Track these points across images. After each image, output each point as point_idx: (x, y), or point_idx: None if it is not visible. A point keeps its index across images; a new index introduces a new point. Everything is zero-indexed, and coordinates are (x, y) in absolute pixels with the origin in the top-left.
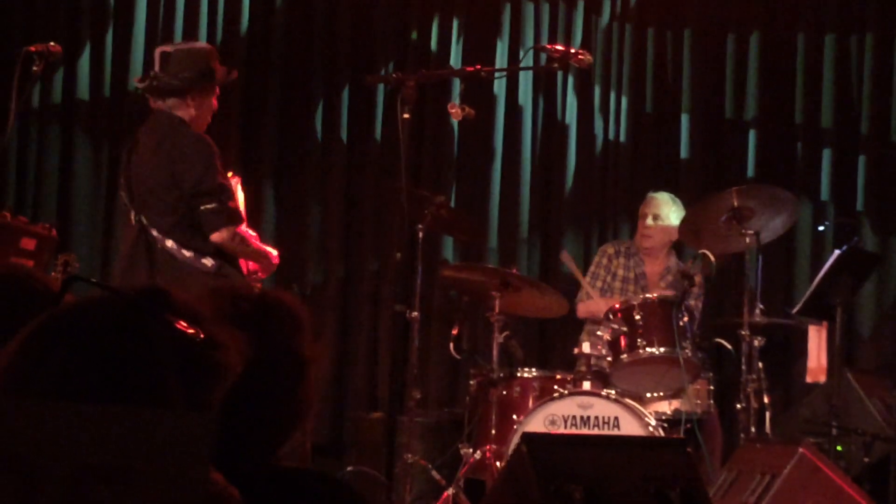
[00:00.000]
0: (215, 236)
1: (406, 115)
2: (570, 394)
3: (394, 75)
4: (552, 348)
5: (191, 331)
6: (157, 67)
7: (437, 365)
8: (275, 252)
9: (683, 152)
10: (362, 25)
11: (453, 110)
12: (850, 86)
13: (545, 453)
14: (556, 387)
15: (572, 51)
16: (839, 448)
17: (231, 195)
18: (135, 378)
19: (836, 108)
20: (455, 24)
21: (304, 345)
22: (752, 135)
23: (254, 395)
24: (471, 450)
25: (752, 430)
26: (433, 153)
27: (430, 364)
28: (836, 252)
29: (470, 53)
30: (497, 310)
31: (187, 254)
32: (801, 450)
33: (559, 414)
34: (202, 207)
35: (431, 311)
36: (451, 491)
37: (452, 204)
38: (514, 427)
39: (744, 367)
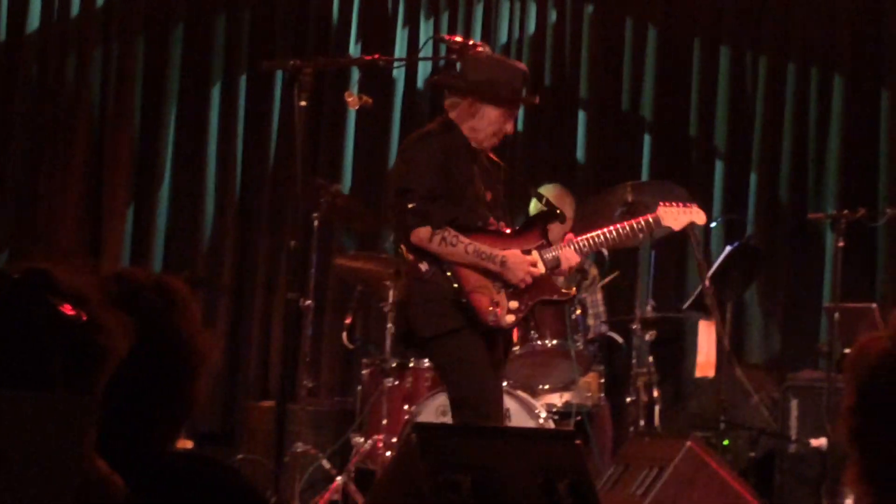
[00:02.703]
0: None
1: (303, 103)
2: None
3: (291, 62)
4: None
5: (73, 313)
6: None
7: (330, 354)
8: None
9: (580, 152)
10: (262, 11)
11: (350, 98)
12: (745, 102)
13: (435, 443)
14: None
15: (471, 42)
16: (726, 442)
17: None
18: (13, 359)
19: (729, 121)
20: (355, 10)
21: (196, 332)
22: (646, 138)
23: (142, 381)
24: (362, 439)
25: (642, 423)
26: (330, 141)
27: (323, 353)
28: (727, 248)
29: (369, 41)
30: (390, 299)
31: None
32: (688, 443)
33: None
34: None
35: (325, 300)
36: (341, 480)
37: (348, 192)
38: (406, 417)
39: (634, 361)
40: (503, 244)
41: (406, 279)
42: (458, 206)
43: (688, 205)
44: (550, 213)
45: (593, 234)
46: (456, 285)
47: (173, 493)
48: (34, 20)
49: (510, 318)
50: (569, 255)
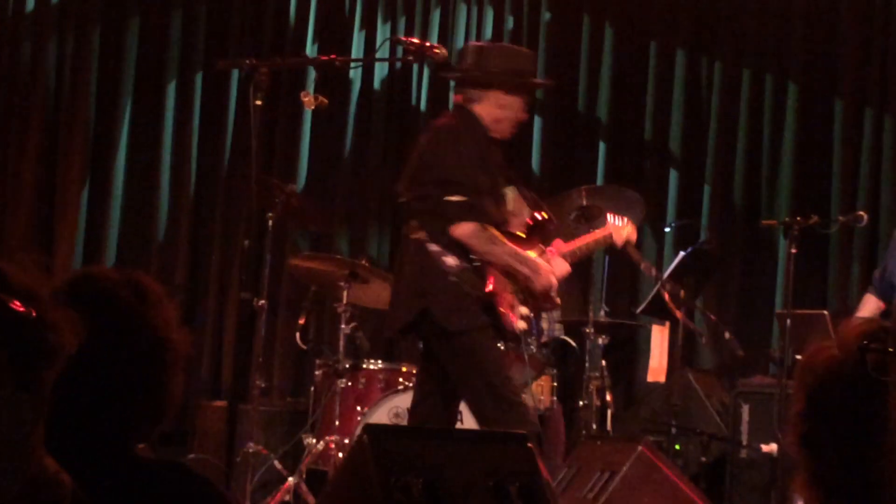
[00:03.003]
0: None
1: (258, 102)
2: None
3: (247, 61)
4: (399, 340)
5: (23, 309)
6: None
7: (283, 355)
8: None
9: (535, 157)
10: (219, 8)
11: (306, 98)
12: (700, 108)
13: (387, 445)
14: (401, 379)
15: (428, 44)
16: (677, 447)
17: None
18: None
19: (684, 127)
20: (312, 11)
21: (171, 330)
22: (601, 144)
23: (117, 379)
24: (314, 440)
25: (594, 426)
26: (285, 141)
27: (276, 353)
28: (681, 253)
29: (326, 42)
30: (345, 301)
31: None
32: (640, 447)
33: (403, 406)
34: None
35: (279, 301)
36: (292, 480)
37: (303, 192)
38: (358, 418)
39: (587, 365)
40: (520, 248)
41: (420, 270)
42: (496, 204)
43: (623, 219)
44: (548, 221)
45: (575, 245)
46: (485, 285)
47: (130, 495)
48: None
49: (522, 325)
50: (562, 265)
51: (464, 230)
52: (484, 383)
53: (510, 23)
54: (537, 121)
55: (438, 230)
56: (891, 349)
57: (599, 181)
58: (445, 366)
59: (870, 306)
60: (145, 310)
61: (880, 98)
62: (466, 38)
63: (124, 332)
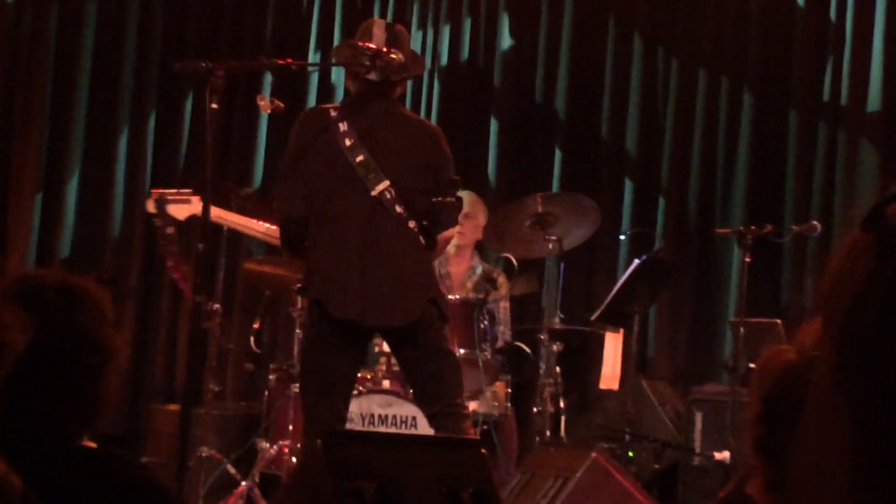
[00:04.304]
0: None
1: (214, 105)
2: (370, 392)
3: (203, 64)
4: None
5: None
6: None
7: (237, 358)
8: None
9: (491, 163)
10: (175, 9)
11: (262, 102)
12: (656, 115)
13: (340, 450)
14: (355, 384)
15: (384, 50)
16: (631, 454)
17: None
18: None
19: (639, 136)
20: (270, 12)
21: (105, 333)
22: (557, 151)
23: (45, 378)
24: (267, 445)
25: (548, 433)
26: (241, 144)
27: (230, 358)
28: (636, 261)
29: (282, 44)
30: (299, 305)
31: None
32: (593, 454)
33: (357, 412)
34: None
35: (233, 304)
36: (245, 485)
37: (258, 196)
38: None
39: (542, 371)
40: None
41: (419, 261)
42: None
43: None
44: None
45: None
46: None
47: (78, 489)
48: None
49: None
50: None
51: (451, 233)
52: (455, 372)
53: (467, 25)
54: (493, 125)
55: (422, 223)
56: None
57: (555, 188)
58: (427, 350)
59: None
60: (83, 313)
61: (833, 111)
62: (424, 39)
63: (63, 333)
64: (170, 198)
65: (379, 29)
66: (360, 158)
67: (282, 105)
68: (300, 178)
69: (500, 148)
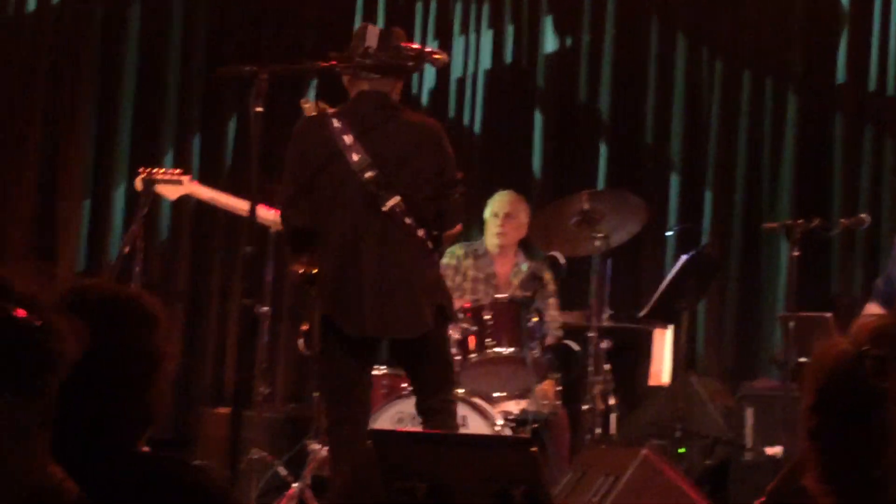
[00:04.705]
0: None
1: (259, 109)
2: None
3: (247, 68)
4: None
5: (26, 317)
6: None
7: (286, 360)
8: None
9: (536, 160)
10: (218, 16)
11: (306, 105)
12: (700, 110)
13: (391, 450)
14: (404, 384)
15: (428, 49)
16: (681, 451)
17: None
18: None
19: (685, 130)
20: (312, 15)
21: (155, 340)
22: (602, 146)
23: (99, 386)
24: (318, 446)
25: (598, 431)
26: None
27: (279, 359)
28: (683, 257)
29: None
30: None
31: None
32: (644, 452)
33: (407, 412)
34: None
35: (281, 307)
36: (297, 487)
37: None
38: None
39: (591, 369)
40: None
41: (427, 268)
42: None
43: None
44: None
45: None
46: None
47: (135, 494)
48: None
49: None
50: None
51: (457, 230)
52: (450, 375)
53: (510, 30)
54: (538, 122)
55: (430, 229)
56: (886, 355)
57: (600, 183)
58: (430, 354)
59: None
60: (126, 320)
61: (879, 105)
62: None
63: (120, 341)
64: (159, 177)
65: (372, 34)
66: (368, 175)
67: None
68: (304, 188)
69: (544, 146)
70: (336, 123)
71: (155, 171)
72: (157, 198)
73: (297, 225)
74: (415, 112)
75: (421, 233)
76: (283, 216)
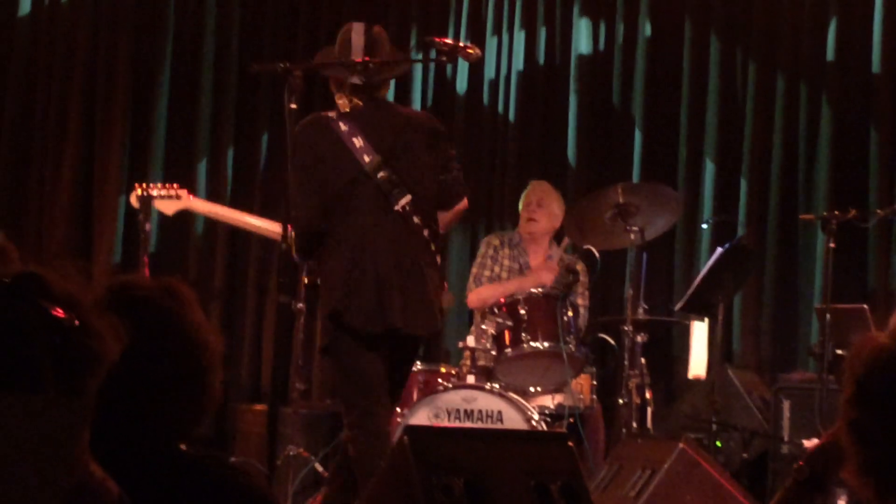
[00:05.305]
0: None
1: (293, 106)
2: (455, 387)
3: (281, 65)
4: (438, 341)
5: (65, 316)
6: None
7: (322, 357)
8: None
9: (570, 151)
10: (252, 13)
11: (341, 101)
12: (735, 101)
13: (427, 446)
14: (440, 380)
15: (461, 45)
16: (718, 444)
17: None
18: (4, 362)
19: (719, 121)
20: (345, 12)
21: (203, 333)
22: (637, 137)
23: (144, 384)
24: None
25: (634, 424)
26: None
27: (315, 356)
28: (719, 249)
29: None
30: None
31: None
32: (681, 445)
33: (443, 407)
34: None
35: (317, 303)
36: None
37: None
38: (398, 420)
39: (626, 363)
40: None
41: (433, 271)
42: None
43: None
44: None
45: None
46: None
47: (176, 494)
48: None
49: None
50: None
51: (465, 205)
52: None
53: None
54: (572, 113)
55: (433, 229)
56: None
57: (635, 175)
58: (415, 356)
59: None
60: (182, 315)
61: None
62: (497, 25)
63: (164, 337)
64: (156, 194)
65: (357, 34)
66: (382, 175)
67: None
68: (316, 189)
69: (578, 139)
70: (343, 126)
71: (151, 186)
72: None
73: (313, 229)
74: (405, 106)
75: (426, 233)
76: (300, 221)
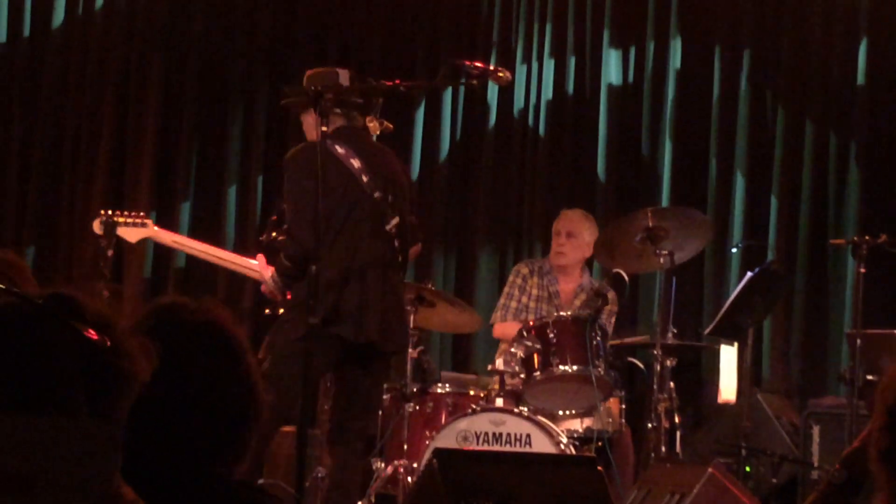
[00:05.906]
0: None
1: (324, 128)
2: (483, 410)
3: (312, 88)
4: (467, 362)
5: (97, 338)
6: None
7: None
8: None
9: (600, 169)
10: (281, 34)
11: (371, 124)
12: (765, 126)
13: (456, 468)
14: (469, 403)
15: (491, 68)
16: (748, 468)
17: None
18: (37, 384)
19: (749, 145)
20: (376, 34)
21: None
22: (667, 161)
23: (178, 407)
24: (382, 464)
25: (663, 449)
26: None
27: None
28: (749, 273)
29: (391, 66)
30: (412, 324)
31: None
32: (710, 470)
33: (472, 430)
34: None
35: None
36: None
37: None
38: (427, 442)
39: (655, 387)
40: None
41: (402, 290)
42: None
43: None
44: None
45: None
46: None
47: None
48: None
49: None
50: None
51: (419, 248)
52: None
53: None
54: (602, 138)
55: (405, 252)
56: None
57: (664, 199)
58: (380, 376)
59: None
60: (229, 339)
61: None
62: (527, 49)
63: (210, 360)
64: (119, 220)
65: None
66: (377, 195)
67: (391, 126)
68: (319, 211)
69: (608, 166)
70: (340, 150)
71: (115, 213)
72: (218, 217)
73: (311, 253)
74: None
75: (400, 258)
76: (303, 242)
